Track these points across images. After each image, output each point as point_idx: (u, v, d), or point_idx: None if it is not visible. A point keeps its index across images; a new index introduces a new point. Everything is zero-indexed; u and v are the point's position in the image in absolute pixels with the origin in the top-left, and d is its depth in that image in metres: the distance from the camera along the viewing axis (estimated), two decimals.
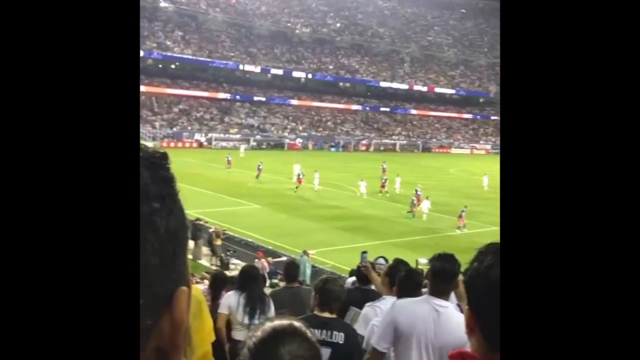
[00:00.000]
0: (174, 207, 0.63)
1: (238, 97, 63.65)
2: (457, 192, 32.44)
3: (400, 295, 3.77)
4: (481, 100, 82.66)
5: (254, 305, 4.99)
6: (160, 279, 0.60)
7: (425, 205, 24.39)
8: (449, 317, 3.04)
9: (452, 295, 3.67)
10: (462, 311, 3.37)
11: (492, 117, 79.72)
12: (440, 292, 3.15)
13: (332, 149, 61.25)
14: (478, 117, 79.46)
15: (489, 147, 72.86)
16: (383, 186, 30.70)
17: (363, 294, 5.07)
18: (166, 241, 0.61)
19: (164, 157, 0.65)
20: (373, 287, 5.52)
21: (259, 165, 32.66)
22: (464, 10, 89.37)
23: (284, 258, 15.61)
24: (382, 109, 73.51)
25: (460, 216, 22.74)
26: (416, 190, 27.02)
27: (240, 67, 65.11)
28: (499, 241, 1.36)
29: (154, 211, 0.59)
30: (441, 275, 3.17)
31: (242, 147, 50.28)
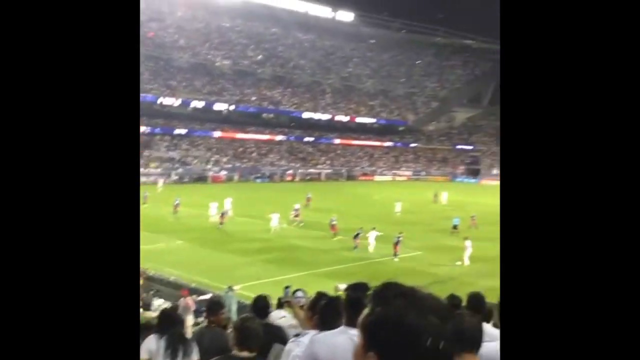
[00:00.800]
0: None
1: (158, 130, 62.21)
2: (381, 218, 33.06)
3: (322, 325, 3.74)
4: (400, 128, 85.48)
5: (175, 348, 4.81)
6: None
7: (372, 237, 24.27)
8: None
9: None
10: None
11: (411, 145, 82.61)
12: (355, 322, 3.14)
13: (258, 180, 60.95)
14: (398, 144, 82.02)
15: (409, 173, 75.22)
16: (297, 216, 30.61)
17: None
18: None
19: None
20: (273, 320, 5.52)
21: (175, 202, 31.95)
22: (373, 41, 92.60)
23: (210, 295, 15.16)
24: (306, 139, 74.29)
25: (396, 243, 22.75)
26: (331, 220, 26.94)
27: (159, 100, 63.83)
28: (394, 281, 1.34)
29: None
30: (356, 306, 3.16)
31: (160, 181, 48.94)
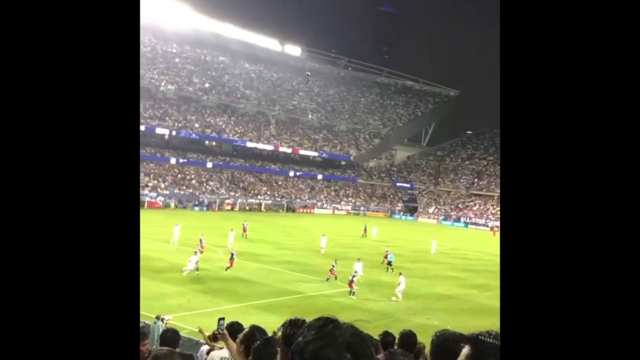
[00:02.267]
0: None
1: None
2: (318, 252, 33.11)
3: None
4: (342, 163, 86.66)
5: None
6: None
7: (358, 267, 23.97)
8: None
9: None
10: None
11: (352, 179, 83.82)
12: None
13: (196, 208, 59.84)
14: (339, 179, 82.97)
15: (349, 207, 76.01)
16: (202, 247, 28.28)
17: None
18: None
19: None
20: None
21: None
22: (309, 73, 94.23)
23: (139, 325, 14.61)
24: (247, 168, 73.99)
25: (351, 281, 22.44)
26: (232, 254, 25.49)
27: None
28: (331, 315, 1.38)
29: None
30: (292, 342, 3.08)
31: None
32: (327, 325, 1.30)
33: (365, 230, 46.11)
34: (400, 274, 23.22)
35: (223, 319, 5.56)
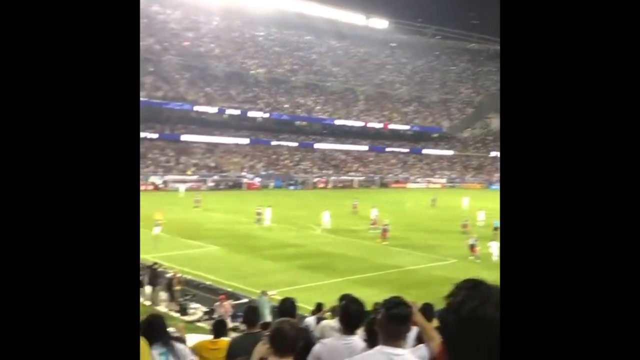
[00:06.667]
0: None
1: (193, 137, 63.32)
2: (415, 225, 32.90)
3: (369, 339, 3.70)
4: (434, 135, 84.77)
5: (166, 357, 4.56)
6: None
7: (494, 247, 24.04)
8: None
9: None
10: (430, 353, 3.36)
11: (446, 152, 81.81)
12: (395, 337, 2.89)
13: (291, 187, 61.35)
14: (432, 151, 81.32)
15: (444, 180, 74.44)
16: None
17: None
18: None
19: None
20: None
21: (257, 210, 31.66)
22: (393, 44, 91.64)
23: (246, 300, 15.40)
24: (338, 146, 74.45)
25: (473, 245, 24.05)
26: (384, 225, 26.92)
27: (195, 108, 65.02)
28: (473, 277, 1.47)
29: None
30: (397, 322, 3.00)
31: (182, 187, 50.28)
32: (477, 286, 1.38)
33: (433, 200, 45.27)
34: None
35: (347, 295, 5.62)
